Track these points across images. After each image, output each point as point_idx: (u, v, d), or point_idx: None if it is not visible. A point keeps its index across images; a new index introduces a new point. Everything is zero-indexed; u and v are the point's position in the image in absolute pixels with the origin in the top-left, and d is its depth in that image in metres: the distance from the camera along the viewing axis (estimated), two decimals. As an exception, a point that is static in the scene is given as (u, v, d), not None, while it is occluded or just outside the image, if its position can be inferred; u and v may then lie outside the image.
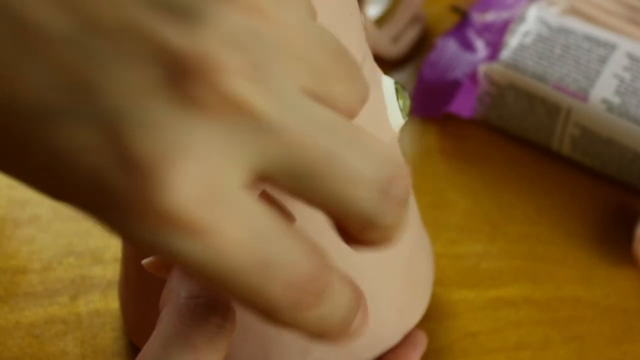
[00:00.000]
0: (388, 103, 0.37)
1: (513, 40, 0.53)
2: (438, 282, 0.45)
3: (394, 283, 0.39)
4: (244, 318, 0.37)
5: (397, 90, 0.38)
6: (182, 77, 0.24)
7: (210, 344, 0.29)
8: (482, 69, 0.53)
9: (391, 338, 0.40)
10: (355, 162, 0.26)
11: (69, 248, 0.47)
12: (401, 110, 0.38)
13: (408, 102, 0.38)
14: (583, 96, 0.50)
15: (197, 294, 0.30)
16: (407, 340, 0.41)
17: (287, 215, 0.30)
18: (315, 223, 0.36)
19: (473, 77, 0.53)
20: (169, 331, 0.30)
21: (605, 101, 0.50)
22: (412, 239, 0.40)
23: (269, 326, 0.37)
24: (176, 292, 0.31)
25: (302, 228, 0.36)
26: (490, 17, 0.55)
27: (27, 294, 0.45)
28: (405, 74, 0.57)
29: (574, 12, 0.54)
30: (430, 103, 0.54)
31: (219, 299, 0.30)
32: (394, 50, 0.58)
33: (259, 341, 0.37)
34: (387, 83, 0.38)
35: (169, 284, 0.31)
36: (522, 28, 0.53)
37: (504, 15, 0.55)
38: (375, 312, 0.39)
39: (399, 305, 0.40)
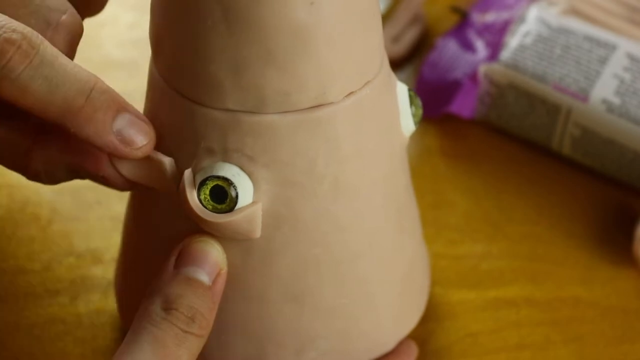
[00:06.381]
0: (401, 109, 0.38)
1: (513, 41, 0.53)
2: (438, 283, 0.45)
3: (394, 287, 0.39)
4: (240, 317, 0.37)
5: (410, 97, 0.38)
6: None
7: (178, 344, 0.33)
8: (483, 69, 0.53)
9: (386, 343, 0.40)
10: None
11: (69, 248, 0.46)
12: (413, 116, 0.38)
13: (420, 111, 0.38)
14: (583, 96, 0.50)
15: (169, 306, 0.34)
16: (399, 348, 0.41)
17: None
18: (317, 230, 0.36)
19: (473, 77, 0.53)
20: (141, 334, 0.34)
21: (605, 101, 0.50)
22: (413, 244, 0.40)
23: (266, 326, 0.37)
24: (150, 299, 0.34)
25: (305, 232, 0.36)
26: (490, 17, 0.55)
27: (27, 294, 0.44)
28: (405, 74, 0.57)
29: (574, 12, 0.54)
30: (430, 103, 0.54)
31: (189, 311, 0.34)
32: (394, 50, 0.57)
33: (255, 340, 0.37)
34: (402, 89, 0.38)
35: (147, 293, 0.35)
36: (522, 28, 0.53)
37: (504, 15, 0.55)
38: (374, 315, 0.39)
39: (398, 309, 0.40)
